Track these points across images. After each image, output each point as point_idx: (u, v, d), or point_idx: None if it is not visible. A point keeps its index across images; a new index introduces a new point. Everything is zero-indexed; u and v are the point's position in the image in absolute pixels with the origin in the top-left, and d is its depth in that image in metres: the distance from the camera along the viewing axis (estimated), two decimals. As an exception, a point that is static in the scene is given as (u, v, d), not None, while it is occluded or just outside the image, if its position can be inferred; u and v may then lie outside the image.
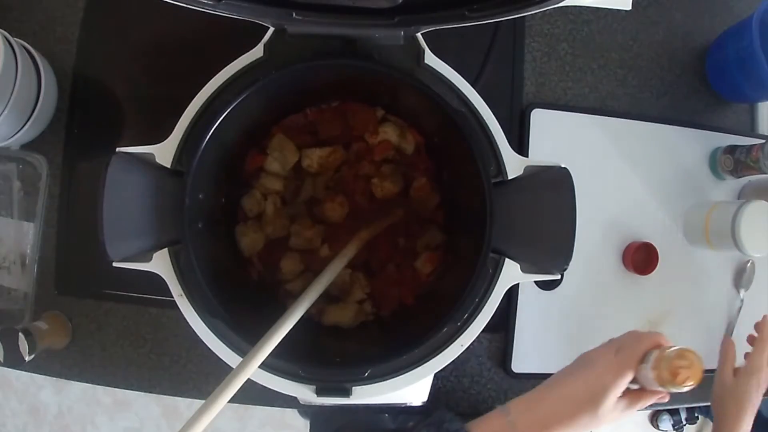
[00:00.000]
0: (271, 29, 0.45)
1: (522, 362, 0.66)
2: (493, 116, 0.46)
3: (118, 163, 0.40)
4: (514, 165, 0.45)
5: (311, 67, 0.45)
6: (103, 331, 0.64)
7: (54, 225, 0.64)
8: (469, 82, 0.46)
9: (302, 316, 0.41)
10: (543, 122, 0.70)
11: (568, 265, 0.42)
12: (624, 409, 0.42)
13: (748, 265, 0.73)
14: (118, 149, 0.42)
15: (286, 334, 0.39)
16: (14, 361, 0.56)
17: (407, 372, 0.44)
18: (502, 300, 0.45)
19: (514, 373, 0.66)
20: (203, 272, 0.42)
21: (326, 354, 0.48)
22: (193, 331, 0.43)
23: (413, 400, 0.51)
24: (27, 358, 0.56)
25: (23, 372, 0.61)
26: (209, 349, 0.43)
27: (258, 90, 0.43)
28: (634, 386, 0.43)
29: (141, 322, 0.64)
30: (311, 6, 0.42)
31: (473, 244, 0.44)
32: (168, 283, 0.43)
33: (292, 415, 1.08)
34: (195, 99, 0.45)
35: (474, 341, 0.45)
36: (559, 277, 0.44)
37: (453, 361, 0.45)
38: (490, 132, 0.46)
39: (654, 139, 0.73)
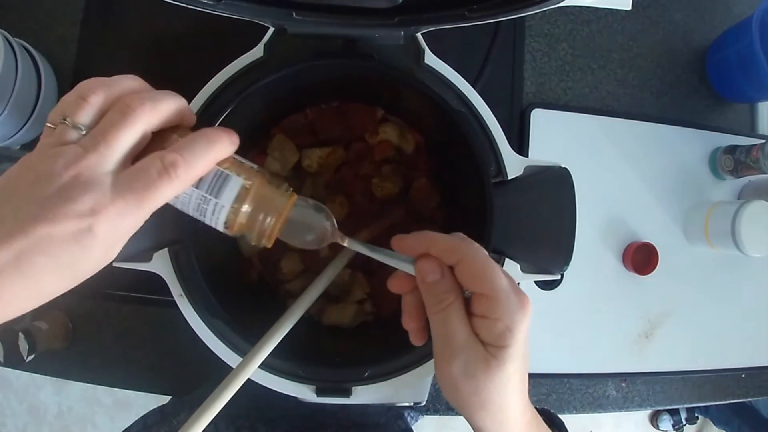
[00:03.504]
0: (271, 29, 0.45)
1: (522, 362, 0.66)
2: (493, 116, 0.46)
3: (118, 163, 0.40)
4: (514, 165, 0.45)
5: (311, 67, 0.45)
6: (103, 331, 0.64)
7: (54, 225, 0.64)
8: (469, 82, 0.46)
9: (302, 316, 0.41)
10: (543, 122, 0.70)
11: (568, 265, 0.42)
12: None
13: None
14: (118, 149, 0.42)
15: (286, 334, 0.39)
16: (14, 361, 0.56)
17: (407, 372, 0.44)
18: (502, 300, 0.44)
19: (514, 373, 0.66)
20: (203, 272, 0.42)
21: (326, 354, 0.48)
22: (193, 331, 0.43)
23: (413, 400, 0.51)
24: (27, 358, 0.56)
25: (23, 372, 0.61)
26: (209, 349, 0.43)
27: (258, 90, 0.43)
28: None
29: (141, 322, 0.64)
30: (311, 6, 0.42)
31: (473, 244, 0.44)
32: (168, 283, 0.43)
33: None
34: (195, 99, 0.45)
35: (474, 341, 0.45)
36: (559, 277, 0.44)
37: (453, 361, 0.45)
38: (490, 132, 0.45)
39: (654, 139, 0.73)
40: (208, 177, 0.30)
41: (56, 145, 0.26)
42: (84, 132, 0.27)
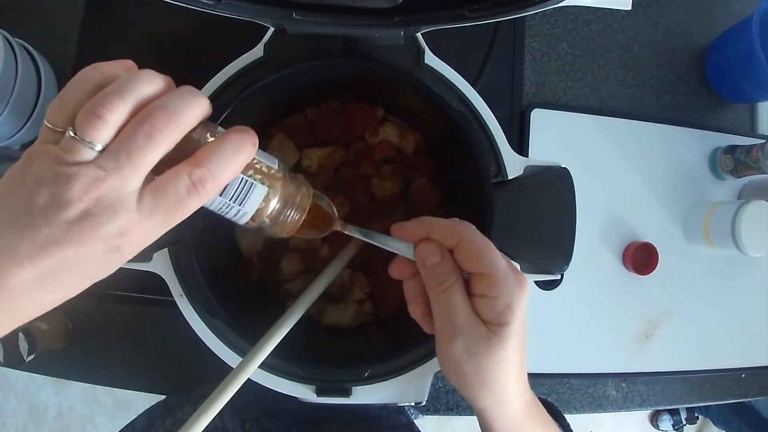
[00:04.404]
0: (271, 29, 0.45)
1: (522, 362, 0.66)
2: (493, 116, 0.46)
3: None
4: (514, 165, 0.45)
5: (311, 67, 0.45)
6: (103, 331, 0.64)
7: (54, 225, 0.64)
8: (469, 82, 0.46)
9: (302, 316, 0.41)
10: (543, 122, 0.70)
11: (568, 265, 0.42)
12: None
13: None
14: (118, 149, 0.42)
15: (286, 334, 0.39)
16: (14, 361, 0.56)
17: (407, 372, 0.44)
18: (502, 300, 0.44)
19: (514, 373, 0.66)
20: (203, 272, 0.42)
21: (326, 354, 0.48)
22: (193, 331, 0.43)
23: (413, 400, 0.51)
24: (27, 358, 0.56)
25: (23, 372, 0.61)
26: (209, 349, 0.43)
27: (258, 90, 0.43)
28: None
29: (141, 322, 0.64)
30: (311, 6, 0.42)
31: (473, 244, 0.44)
32: (168, 283, 0.43)
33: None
34: (195, 99, 0.45)
35: (474, 341, 0.45)
36: (559, 277, 0.44)
37: (453, 361, 0.45)
38: (490, 132, 0.45)
39: (654, 139, 0.73)
40: (231, 186, 0.29)
41: (67, 162, 0.24)
42: (99, 149, 0.25)
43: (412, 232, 0.34)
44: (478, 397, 0.33)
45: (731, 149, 0.72)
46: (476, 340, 0.32)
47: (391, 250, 0.35)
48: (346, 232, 0.37)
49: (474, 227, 0.34)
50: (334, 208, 0.37)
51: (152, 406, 0.55)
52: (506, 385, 0.33)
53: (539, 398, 0.38)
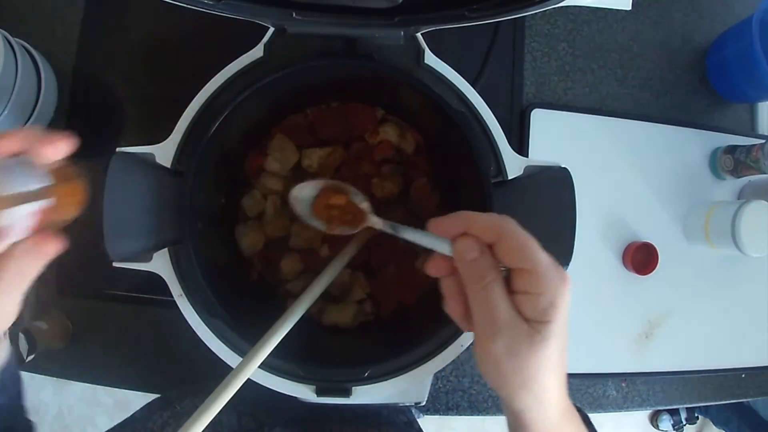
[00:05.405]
0: (271, 29, 0.45)
1: (522, 362, 0.66)
2: (493, 116, 0.46)
3: (118, 163, 0.40)
4: (514, 165, 0.45)
5: (311, 67, 0.45)
6: (103, 331, 0.64)
7: (54, 225, 0.64)
8: (469, 82, 0.46)
9: (302, 316, 0.41)
10: (543, 122, 0.70)
11: (568, 265, 0.42)
12: None
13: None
14: (118, 149, 0.42)
15: (286, 334, 0.39)
16: (14, 361, 0.56)
17: (407, 372, 0.44)
18: (502, 300, 0.44)
19: (514, 373, 0.66)
20: (203, 272, 0.42)
21: (326, 354, 0.48)
22: (193, 331, 0.43)
23: (413, 400, 0.51)
24: (27, 358, 0.56)
25: (23, 372, 0.61)
26: (209, 349, 0.43)
27: (258, 90, 0.43)
28: None
29: (141, 322, 0.64)
30: (311, 6, 0.42)
31: (473, 244, 0.44)
32: (168, 283, 0.43)
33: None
34: (195, 99, 0.45)
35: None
36: (559, 277, 0.44)
37: (453, 361, 0.45)
38: (490, 132, 0.45)
39: (654, 139, 0.73)
40: None
41: None
42: None
43: (449, 228, 0.33)
44: (517, 397, 0.32)
45: (731, 149, 0.72)
46: (518, 338, 0.31)
47: (426, 246, 0.34)
48: (378, 228, 0.36)
49: (515, 222, 0.32)
50: (367, 204, 0.36)
51: (152, 399, 0.55)
52: (547, 385, 0.31)
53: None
